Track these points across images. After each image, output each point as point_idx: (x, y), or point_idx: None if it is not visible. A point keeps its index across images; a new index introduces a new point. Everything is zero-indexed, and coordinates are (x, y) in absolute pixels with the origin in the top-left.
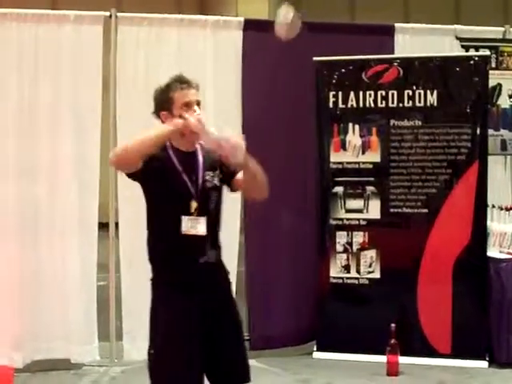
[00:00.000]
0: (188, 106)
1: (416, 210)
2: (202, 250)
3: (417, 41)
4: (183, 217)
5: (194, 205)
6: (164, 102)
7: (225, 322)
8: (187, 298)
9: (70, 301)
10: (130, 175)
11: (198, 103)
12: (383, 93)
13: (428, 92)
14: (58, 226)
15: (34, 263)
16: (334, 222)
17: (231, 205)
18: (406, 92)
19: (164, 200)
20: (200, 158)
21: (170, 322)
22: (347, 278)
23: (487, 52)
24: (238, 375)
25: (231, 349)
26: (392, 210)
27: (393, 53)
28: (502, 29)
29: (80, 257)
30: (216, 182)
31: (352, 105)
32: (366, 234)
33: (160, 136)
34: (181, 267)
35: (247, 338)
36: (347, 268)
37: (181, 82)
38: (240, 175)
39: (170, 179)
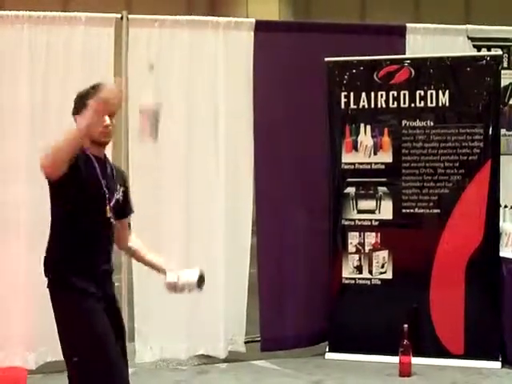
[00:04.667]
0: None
1: (428, 211)
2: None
3: (428, 41)
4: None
5: (108, 211)
6: (79, 107)
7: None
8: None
9: None
10: (54, 182)
11: (112, 114)
12: (395, 93)
13: (440, 92)
14: None
15: None
16: (346, 223)
17: (243, 206)
18: (417, 92)
19: (82, 204)
20: (112, 168)
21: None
22: (359, 279)
23: (499, 52)
24: None
25: None
26: (404, 211)
27: (404, 53)
28: None
29: None
30: (120, 197)
31: (364, 105)
32: (378, 234)
33: (71, 139)
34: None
35: (258, 338)
36: (359, 269)
37: (100, 89)
38: (125, 223)
39: (92, 184)
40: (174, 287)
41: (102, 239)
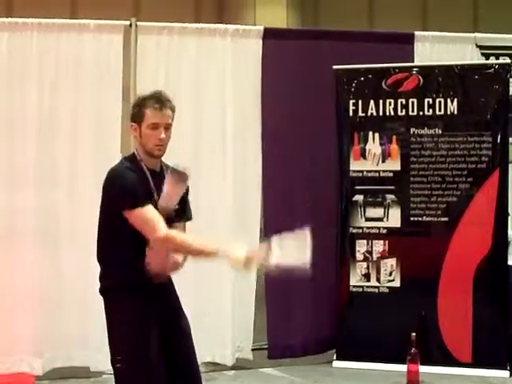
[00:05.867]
0: (155, 127)
1: (436, 219)
2: None
3: (436, 49)
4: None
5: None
6: (135, 115)
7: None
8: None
9: (89, 309)
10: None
11: (167, 127)
12: (403, 101)
13: (448, 100)
14: (78, 234)
15: (54, 271)
16: (353, 231)
17: (251, 214)
18: (426, 100)
19: None
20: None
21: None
22: (367, 287)
23: (508, 60)
24: None
25: None
26: (412, 219)
27: (412, 61)
28: None
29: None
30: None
31: (372, 113)
32: (386, 242)
33: (209, 256)
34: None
35: (266, 346)
36: (367, 276)
37: (157, 100)
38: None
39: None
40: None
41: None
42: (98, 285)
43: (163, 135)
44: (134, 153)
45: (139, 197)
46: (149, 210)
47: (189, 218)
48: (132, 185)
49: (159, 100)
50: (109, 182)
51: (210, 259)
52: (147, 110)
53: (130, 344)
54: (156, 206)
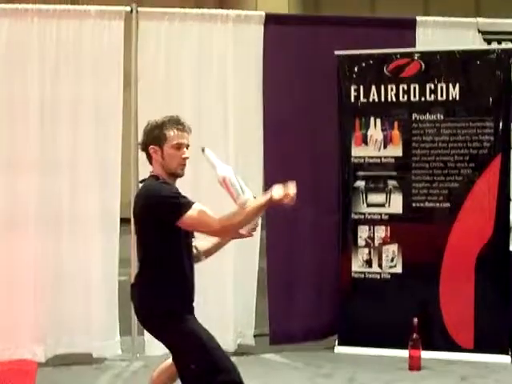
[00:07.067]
0: (179, 147)
1: (438, 205)
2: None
3: (438, 34)
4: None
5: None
6: (156, 137)
7: None
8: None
9: (91, 295)
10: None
11: (187, 146)
12: (405, 87)
13: (450, 86)
14: (79, 220)
15: (56, 258)
16: (355, 217)
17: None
18: (427, 86)
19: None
20: None
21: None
22: (369, 273)
23: (510, 45)
24: None
25: None
26: (414, 205)
27: (414, 46)
28: None
29: (102, 251)
30: None
31: (374, 99)
32: (388, 228)
33: (262, 208)
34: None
35: (267, 332)
36: (369, 262)
37: (177, 123)
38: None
39: None
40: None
41: (192, 266)
42: (99, 272)
43: (187, 154)
44: (156, 175)
45: (185, 200)
46: (194, 210)
47: None
48: (173, 192)
49: (180, 122)
50: (150, 197)
51: (263, 211)
52: (170, 132)
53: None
54: None
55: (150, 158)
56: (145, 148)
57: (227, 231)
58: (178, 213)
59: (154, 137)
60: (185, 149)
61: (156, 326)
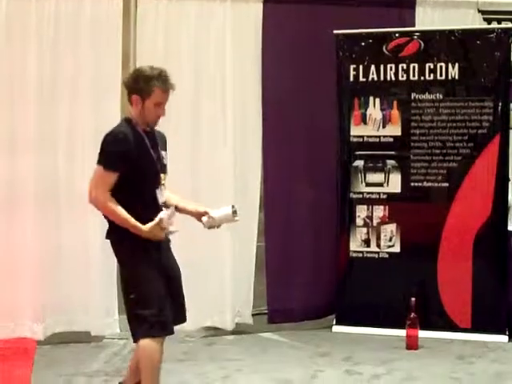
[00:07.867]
0: (159, 105)
1: (437, 184)
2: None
3: (438, 13)
4: (157, 190)
5: (163, 178)
6: (140, 90)
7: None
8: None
9: (90, 274)
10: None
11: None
12: (404, 66)
13: (449, 65)
14: (78, 199)
15: (55, 236)
16: (354, 196)
17: (251, 180)
18: (427, 65)
19: (142, 176)
20: (157, 136)
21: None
22: (367, 252)
23: (510, 25)
24: None
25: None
26: (412, 184)
27: (413, 26)
28: None
29: (101, 230)
30: (166, 161)
31: (373, 78)
32: (387, 207)
33: (126, 224)
34: None
35: (265, 311)
36: (367, 242)
37: (165, 82)
38: None
39: (145, 157)
40: (212, 223)
41: (159, 202)
42: (98, 250)
43: (164, 113)
44: (129, 117)
45: (113, 161)
46: (106, 176)
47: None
48: (115, 148)
49: (167, 81)
50: (103, 139)
51: (126, 226)
52: (156, 89)
53: (135, 269)
54: (153, 161)
55: (130, 100)
56: (128, 92)
57: (97, 206)
58: (98, 159)
59: (139, 88)
60: (164, 106)
61: (114, 241)
